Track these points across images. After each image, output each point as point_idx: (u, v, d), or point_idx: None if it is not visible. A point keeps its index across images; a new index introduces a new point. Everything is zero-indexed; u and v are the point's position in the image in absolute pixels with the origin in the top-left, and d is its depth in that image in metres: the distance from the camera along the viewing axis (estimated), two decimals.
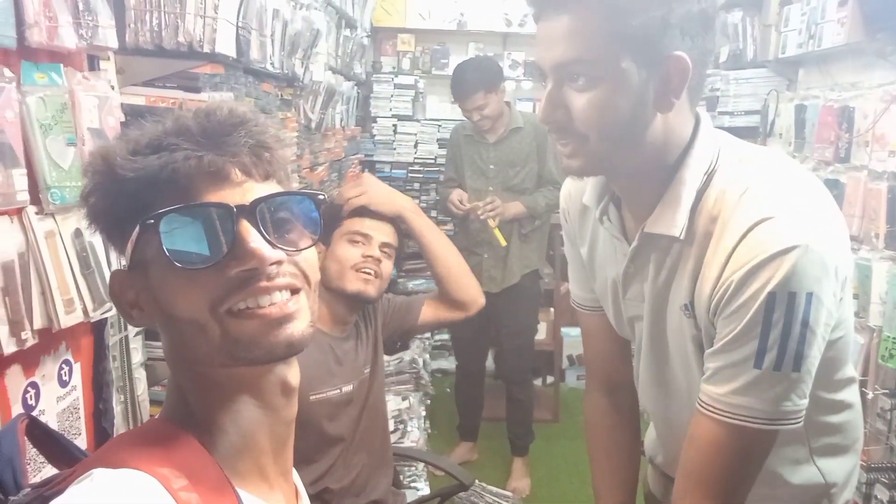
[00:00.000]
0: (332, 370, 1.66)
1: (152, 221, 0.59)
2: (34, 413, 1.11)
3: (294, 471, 0.74)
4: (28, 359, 1.10)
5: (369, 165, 4.53)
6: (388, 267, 1.68)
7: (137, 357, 1.43)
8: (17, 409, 1.07)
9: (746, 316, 0.87)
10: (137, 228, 0.61)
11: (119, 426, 1.36)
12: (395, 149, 4.56)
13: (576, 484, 3.19)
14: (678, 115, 0.94)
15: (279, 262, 0.61)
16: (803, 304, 0.85)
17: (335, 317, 1.69)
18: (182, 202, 0.60)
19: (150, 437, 0.62)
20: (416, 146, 4.55)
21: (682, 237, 0.96)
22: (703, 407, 0.94)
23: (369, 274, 1.63)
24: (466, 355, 3.41)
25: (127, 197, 0.62)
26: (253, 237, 0.60)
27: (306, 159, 2.75)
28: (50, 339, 1.14)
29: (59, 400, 1.20)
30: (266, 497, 0.65)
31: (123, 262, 0.65)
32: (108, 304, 1.22)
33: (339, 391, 1.66)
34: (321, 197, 0.67)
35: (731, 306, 0.89)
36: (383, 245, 1.67)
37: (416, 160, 4.58)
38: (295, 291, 0.63)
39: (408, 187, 4.52)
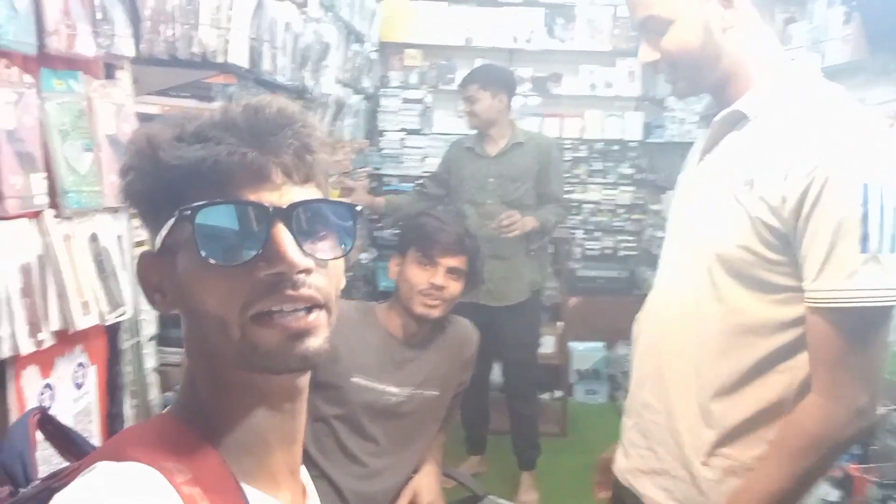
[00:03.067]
0: (383, 365, 1.70)
1: (189, 213, 0.59)
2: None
3: (303, 468, 0.74)
4: (44, 360, 1.11)
5: (377, 179, 4.56)
6: (455, 288, 1.72)
7: (150, 362, 1.44)
8: None
9: (846, 208, 1.00)
10: (175, 216, 0.61)
11: None
12: (402, 162, 4.60)
13: (583, 499, 3.17)
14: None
15: (307, 271, 0.60)
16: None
17: (403, 325, 1.74)
18: (219, 196, 0.60)
19: (156, 431, 0.62)
20: (423, 160, 4.58)
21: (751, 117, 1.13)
22: (822, 302, 1.04)
23: (434, 301, 1.69)
24: None
25: (165, 182, 0.61)
26: (286, 241, 0.59)
27: None
28: (66, 341, 1.15)
29: (74, 402, 1.20)
30: (273, 494, 0.65)
31: (154, 245, 0.65)
32: (123, 308, 1.24)
33: (382, 388, 1.69)
34: (358, 208, 0.66)
35: (824, 200, 1.01)
36: (450, 270, 1.72)
37: (423, 174, 4.60)
38: (317, 307, 0.62)
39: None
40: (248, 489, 0.62)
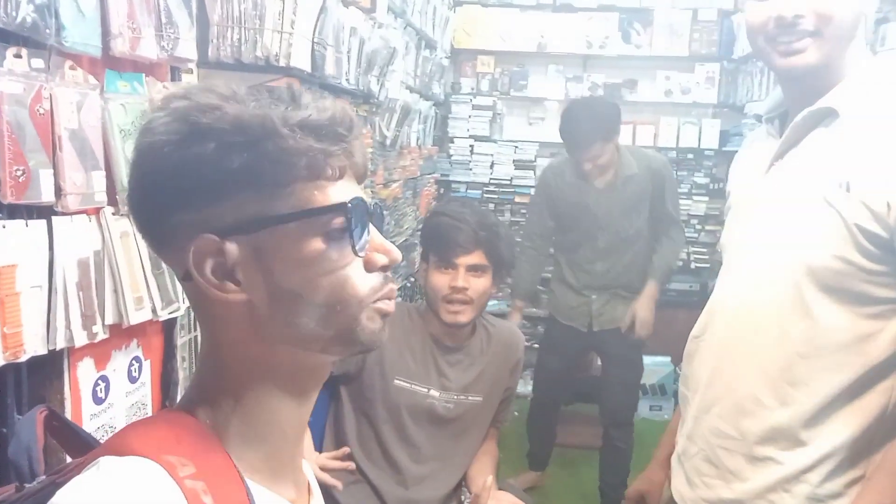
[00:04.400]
0: (425, 369, 1.69)
1: (350, 205, 0.62)
2: (103, 406, 1.16)
3: (305, 463, 0.74)
4: (100, 353, 1.15)
5: (445, 185, 4.57)
6: (480, 285, 1.66)
7: None
8: (87, 402, 1.12)
9: None
10: (336, 207, 0.62)
11: None
12: (471, 169, 4.59)
13: None
14: None
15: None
16: None
17: (441, 330, 1.71)
18: (324, 189, 0.62)
19: (160, 425, 0.62)
20: (491, 167, 4.56)
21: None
22: None
23: (458, 307, 1.64)
24: (547, 387, 3.21)
25: (279, 165, 0.60)
26: (379, 235, 0.66)
27: (380, 175, 2.80)
28: (121, 335, 1.19)
29: (128, 395, 1.24)
30: (277, 489, 0.65)
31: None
32: (176, 305, 1.26)
33: (425, 391, 1.68)
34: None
35: None
36: (470, 268, 1.65)
37: (491, 181, 4.58)
38: None
39: (482, 207, 4.52)
40: (252, 484, 0.61)
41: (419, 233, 3.69)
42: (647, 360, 4.18)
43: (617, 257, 2.92)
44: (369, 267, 0.65)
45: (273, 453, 0.65)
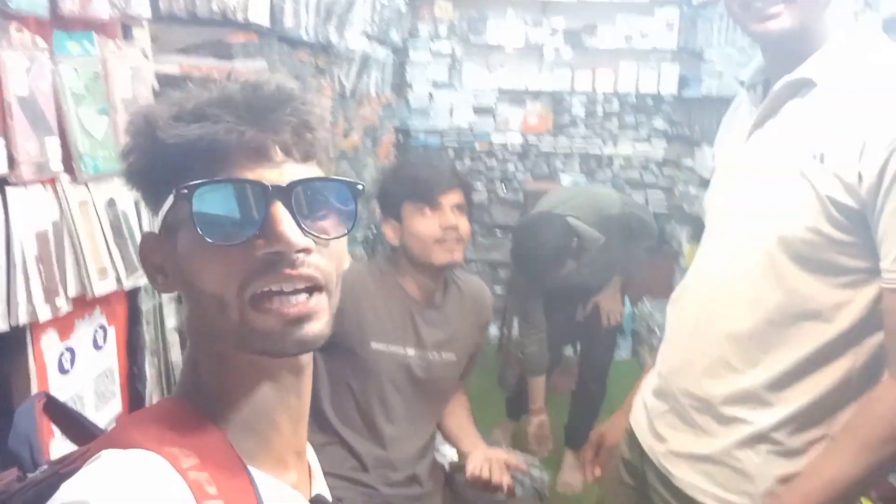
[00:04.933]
0: (402, 329, 1.67)
1: (186, 191, 0.59)
2: (70, 377, 1.15)
3: (309, 447, 0.74)
4: (63, 324, 1.13)
5: (404, 133, 4.52)
6: (465, 224, 1.65)
7: (171, 322, 1.46)
8: (53, 374, 1.11)
9: None
10: (172, 196, 0.61)
11: (152, 389, 1.39)
12: (430, 116, 4.54)
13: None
14: None
15: (307, 250, 0.60)
16: None
17: (421, 285, 1.69)
18: (219, 174, 0.60)
19: (162, 416, 0.62)
20: (451, 113, 4.52)
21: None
22: None
23: (452, 244, 1.63)
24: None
25: (164, 161, 0.61)
26: (284, 220, 0.59)
27: (340, 126, 2.75)
28: (84, 304, 1.17)
29: (94, 364, 1.23)
30: (279, 475, 0.66)
31: (155, 225, 0.65)
32: (141, 272, 1.24)
33: (402, 352, 1.66)
34: (360, 186, 0.65)
35: None
36: (454, 207, 1.64)
37: (450, 128, 4.55)
38: (318, 289, 0.62)
39: (441, 155, 4.50)
40: (254, 471, 0.62)
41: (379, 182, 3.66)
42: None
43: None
44: (251, 252, 0.59)
45: (271, 440, 0.65)
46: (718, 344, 1.16)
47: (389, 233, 1.71)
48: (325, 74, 2.56)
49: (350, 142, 2.94)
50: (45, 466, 0.61)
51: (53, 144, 1.07)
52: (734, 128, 1.24)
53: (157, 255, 0.65)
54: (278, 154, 0.62)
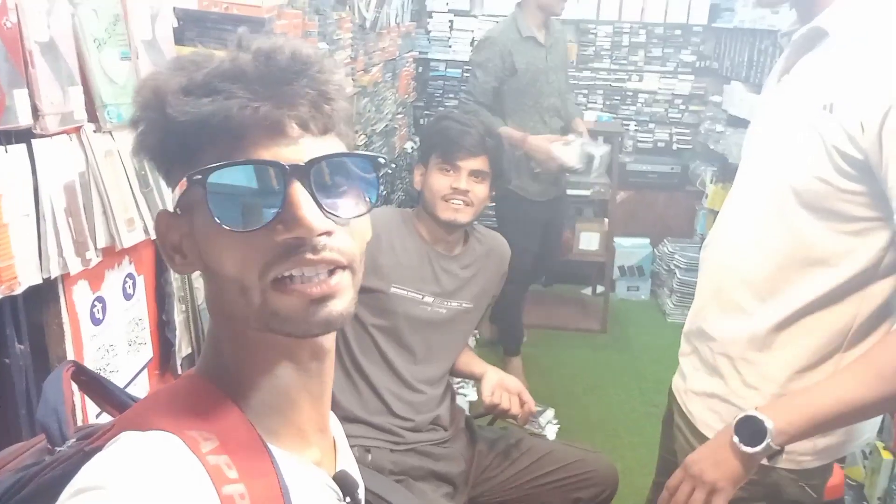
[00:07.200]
0: (422, 276, 1.72)
1: (199, 176, 0.56)
2: (102, 327, 1.15)
3: (334, 417, 0.73)
4: (93, 275, 1.12)
5: (423, 63, 4.40)
6: (480, 191, 1.71)
7: None
8: (85, 324, 1.11)
9: None
10: (185, 180, 0.58)
11: (181, 335, 1.40)
12: (450, 46, 4.41)
13: (622, 395, 3.24)
14: None
15: (328, 233, 0.57)
16: None
17: (434, 235, 1.75)
18: (233, 152, 0.57)
19: (182, 396, 0.61)
20: (472, 43, 4.38)
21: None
22: None
23: (458, 204, 1.68)
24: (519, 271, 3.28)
25: (175, 136, 0.58)
26: (304, 202, 0.56)
27: (360, 61, 2.68)
28: (113, 254, 1.16)
29: (125, 312, 1.23)
30: (302, 452, 0.65)
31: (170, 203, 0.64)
32: None
33: (420, 296, 1.71)
34: (381, 160, 0.62)
35: None
36: (472, 173, 1.69)
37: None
38: (340, 268, 0.59)
39: (462, 87, 4.39)
40: (275, 450, 0.61)
41: (399, 117, 3.59)
42: (626, 241, 4.27)
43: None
44: (271, 237, 0.57)
45: (292, 417, 0.64)
46: (734, 288, 1.19)
47: (417, 175, 1.79)
48: (346, 6, 2.47)
49: (371, 77, 2.86)
50: (73, 441, 0.60)
51: (77, 93, 1.04)
52: (774, 71, 1.25)
53: (174, 234, 0.63)
54: (295, 129, 0.58)
